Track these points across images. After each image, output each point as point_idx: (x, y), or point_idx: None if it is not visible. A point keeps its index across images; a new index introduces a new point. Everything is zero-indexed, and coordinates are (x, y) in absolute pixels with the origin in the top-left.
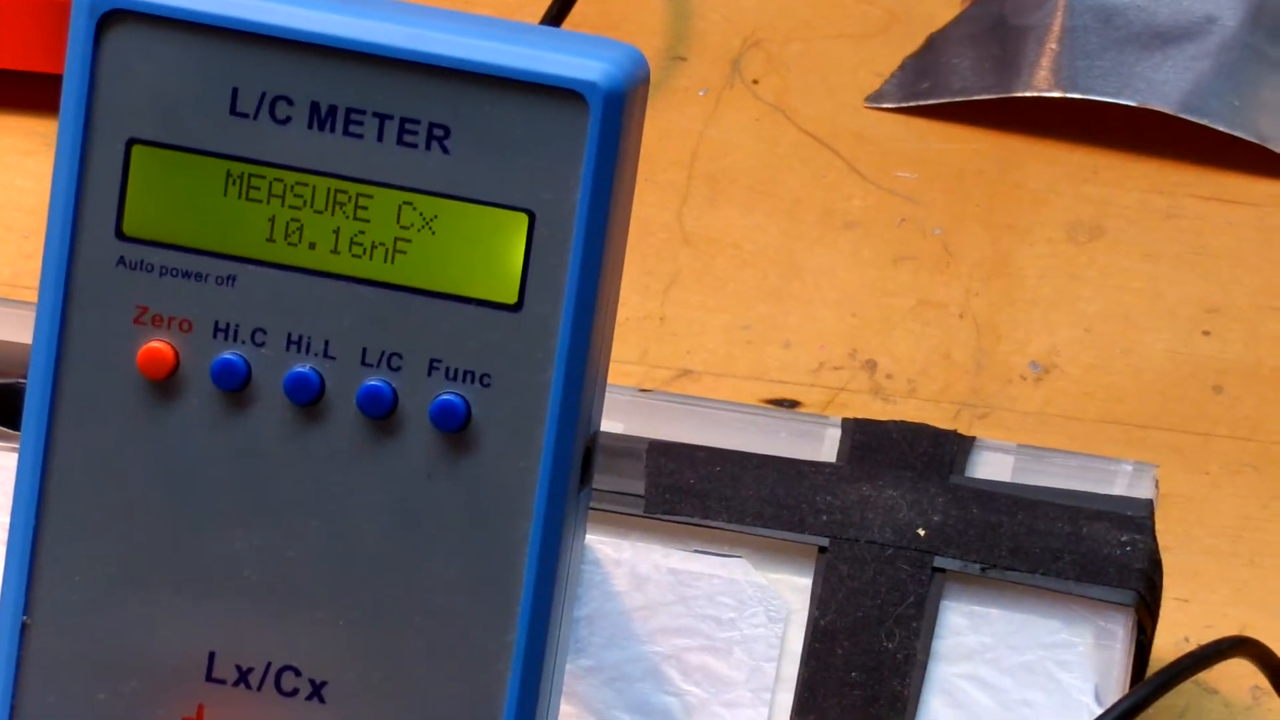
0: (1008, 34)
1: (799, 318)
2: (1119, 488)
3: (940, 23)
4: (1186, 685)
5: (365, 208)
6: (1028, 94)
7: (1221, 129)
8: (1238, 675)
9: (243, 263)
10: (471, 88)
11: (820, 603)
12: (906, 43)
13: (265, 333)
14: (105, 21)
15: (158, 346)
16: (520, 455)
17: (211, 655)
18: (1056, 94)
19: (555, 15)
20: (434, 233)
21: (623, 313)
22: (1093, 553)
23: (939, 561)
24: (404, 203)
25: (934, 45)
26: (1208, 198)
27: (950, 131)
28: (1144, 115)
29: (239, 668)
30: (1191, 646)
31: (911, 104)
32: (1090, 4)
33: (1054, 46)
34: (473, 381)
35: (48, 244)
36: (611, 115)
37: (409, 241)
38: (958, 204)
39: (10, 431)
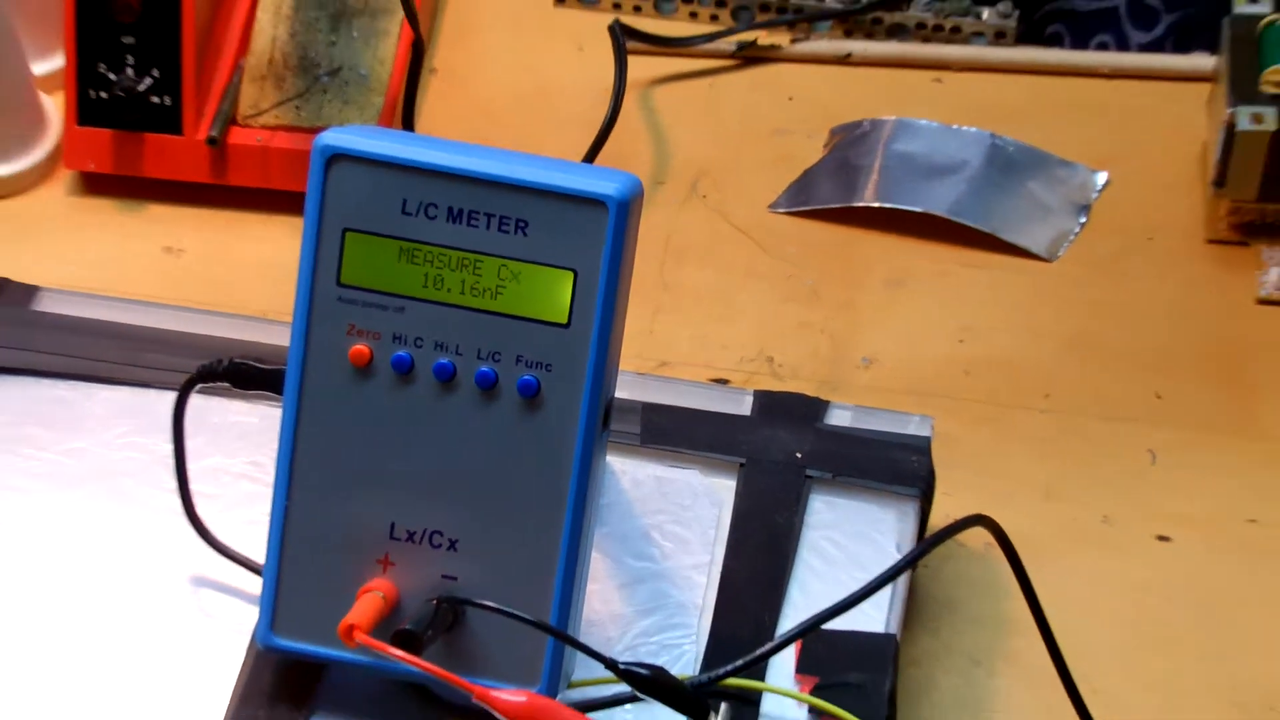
0: (849, 169)
1: (732, 331)
2: (911, 429)
3: (811, 162)
4: (950, 543)
5: (479, 266)
6: (862, 204)
7: (972, 225)
8: (977, 537)
9: (409, 300)
10: (541, 198)
11: (740, 497)
12: (792, 172)
13: (422, 340)
14: (330, 161)
15: (361, 348)
16: (569, 411)
17: (392, 525)
18: (877, 204)
19: (589, 156)
20: (519, 281)
21: (627, 329)
22: (896, 466)
23: (810, 472)
24: (501, 265)
25: (808, 175)
26: (965, 265)
27: (818, 225)
28: (928, 217)
29: (408, 531)
30: (950, 521)
31: (796, 209)
32: (897, 152)
33: (876, 177)
34: (541, 369)
35: (298, 287)
36: (621, 215)
37: (504, 287)
38: (823, 266)
39: (249, 393)
